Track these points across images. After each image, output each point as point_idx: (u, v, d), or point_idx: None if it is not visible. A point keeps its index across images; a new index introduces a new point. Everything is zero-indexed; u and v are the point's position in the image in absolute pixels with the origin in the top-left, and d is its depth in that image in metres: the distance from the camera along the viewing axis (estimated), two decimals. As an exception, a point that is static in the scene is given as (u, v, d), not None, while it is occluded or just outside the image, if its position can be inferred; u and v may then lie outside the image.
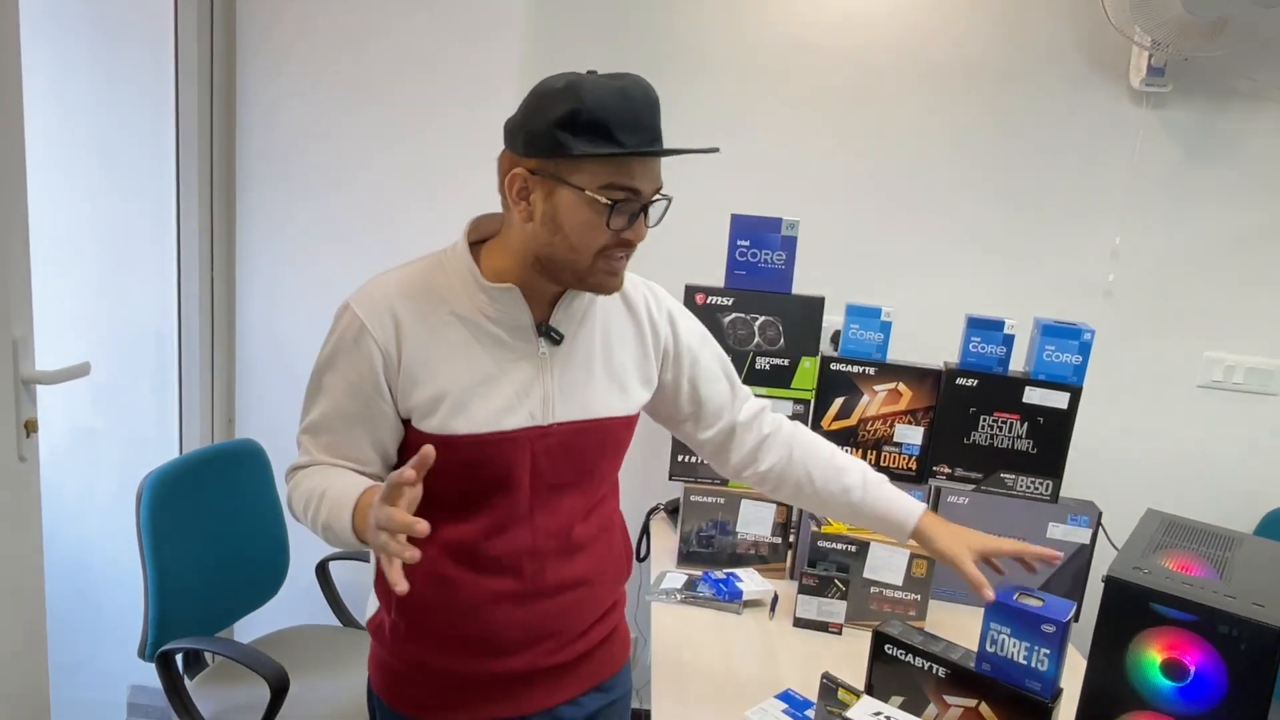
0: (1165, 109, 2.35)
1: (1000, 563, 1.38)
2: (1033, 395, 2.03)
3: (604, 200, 1.09)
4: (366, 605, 1.33)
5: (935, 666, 1.31)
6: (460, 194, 2.22)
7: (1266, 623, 1.09)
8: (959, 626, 1.91)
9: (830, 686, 1.42)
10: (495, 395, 1.17)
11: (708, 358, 1.40)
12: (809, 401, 2.07)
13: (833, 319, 2.10)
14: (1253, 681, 1.10)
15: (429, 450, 0.98)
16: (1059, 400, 2.03)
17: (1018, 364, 2.10)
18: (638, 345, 1.30)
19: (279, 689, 1.75)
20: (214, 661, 2.06)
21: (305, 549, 2.26)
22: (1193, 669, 1.13)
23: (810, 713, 1.55)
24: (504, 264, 1.17)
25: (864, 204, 2.44)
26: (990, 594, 1.25)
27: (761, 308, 2.04)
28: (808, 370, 2.03)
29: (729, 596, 1.93)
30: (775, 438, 1.44)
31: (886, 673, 1.37)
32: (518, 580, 1.22)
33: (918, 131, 2.39)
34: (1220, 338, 2.46)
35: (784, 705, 1.59)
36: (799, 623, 1.89)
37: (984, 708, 1.27)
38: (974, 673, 1.28)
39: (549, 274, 1.16)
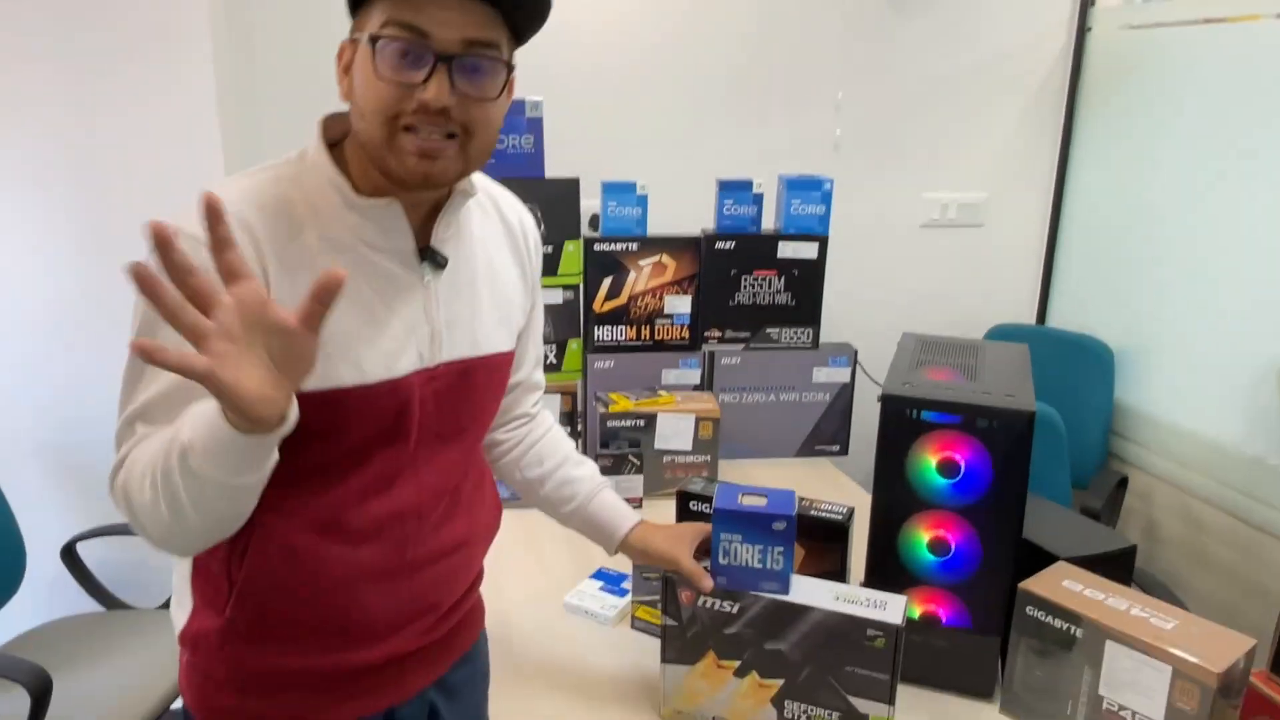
0: (868, -37, 2.46)
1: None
2: (786, 249, 2.12)
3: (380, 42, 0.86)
4: (174, 612, 1.04)
5: (739, 512, 1.37)
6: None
7: (1019, 409, 1.21)
8: (749, 478, 2.01)
9: (643, 554, 1.44)
10: (384, 336, 0.94)
11: (540, 308, 1.25)
12: (578, 286, 2.04)
13: (590, 203, 2.06)
14: (1013, 465, 1.23)
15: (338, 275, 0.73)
16: (809, 251, 2.13)
17: (769, 222, 2.18)
18: (517, 268, 1.12)
19: (40, 692, 1.54)
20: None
21: (43, 533, 1.98)
22: (963, 464, 1.25)
23: (627, 584, 1.58)
24: (369, 169, 0.92)
25: (607, 83, 2.39)
26: (709, 583, 1.20)
27: (517, 195, 1.95)
28: (572, 254, 1.99)
29: (528, 493, 1.91)
30: (534, 425, 1.32)
31: (694, 529, 1.41)
32: (395, 550, 1.02)
33: (651, 14, 2.37)
34: (934, 179, 2.68)
35: (600, 583, 1.61)
36: (601, 504, 1.90)
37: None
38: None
39: (375, 166, 0.91)
